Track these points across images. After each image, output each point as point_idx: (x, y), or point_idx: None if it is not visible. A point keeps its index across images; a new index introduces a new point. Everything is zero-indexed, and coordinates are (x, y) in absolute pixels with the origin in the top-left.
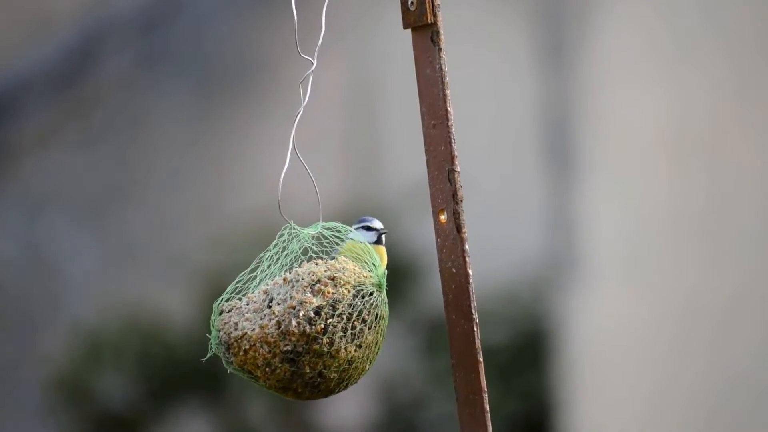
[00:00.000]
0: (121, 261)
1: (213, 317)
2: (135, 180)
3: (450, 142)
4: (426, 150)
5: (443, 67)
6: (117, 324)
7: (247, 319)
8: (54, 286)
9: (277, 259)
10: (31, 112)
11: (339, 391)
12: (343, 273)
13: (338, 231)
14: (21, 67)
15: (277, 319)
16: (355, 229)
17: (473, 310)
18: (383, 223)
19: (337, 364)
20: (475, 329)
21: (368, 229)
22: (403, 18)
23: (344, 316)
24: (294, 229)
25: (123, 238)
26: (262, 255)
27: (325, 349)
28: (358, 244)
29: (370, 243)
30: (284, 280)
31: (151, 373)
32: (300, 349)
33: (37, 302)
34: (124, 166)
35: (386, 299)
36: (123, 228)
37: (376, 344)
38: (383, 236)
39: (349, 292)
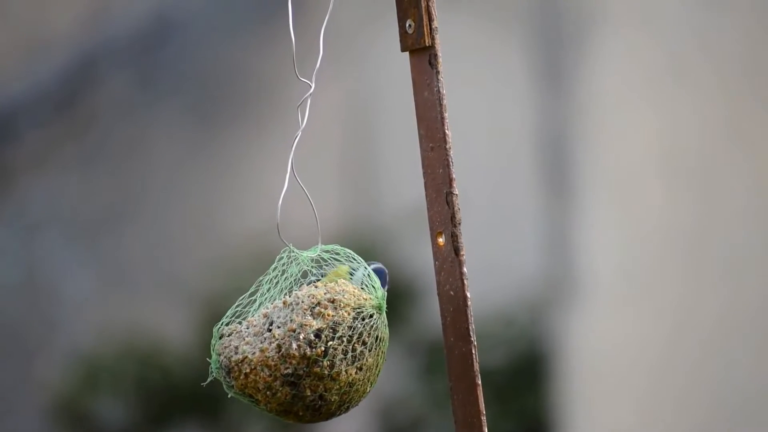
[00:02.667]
0: (117, 284)
1: (213, 341)
2: (132, 202)
3: (448, 165)
4: (424, 173)
5: (441, 90)
6: (114, 348)
7: (247, 343)
8: (50, 309)
9: (277, 282)
10: (27, 133)
11: (340, 414)
12: (343, 296)
13: (337, 254)
14: (17, 89)
15: (277, 342)
16: (372, 269)
17: (471, 333)
18: (380, 246)
19: (337, 386)
20: (474, 352)
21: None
22: (401, 41)
23: (344, 339)
24: (293, 252)
25: (120, 260)
26: (261, 278)
27: (326, 372)
28: (345, 269)
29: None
30: (284, 303)
31: (149, 398)
32: (301, 372)
33: (33, 325)
34: (120, 188)
35: (386, 321)
36: (120, 250)
37: (377, 367)
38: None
39: (349, 314)
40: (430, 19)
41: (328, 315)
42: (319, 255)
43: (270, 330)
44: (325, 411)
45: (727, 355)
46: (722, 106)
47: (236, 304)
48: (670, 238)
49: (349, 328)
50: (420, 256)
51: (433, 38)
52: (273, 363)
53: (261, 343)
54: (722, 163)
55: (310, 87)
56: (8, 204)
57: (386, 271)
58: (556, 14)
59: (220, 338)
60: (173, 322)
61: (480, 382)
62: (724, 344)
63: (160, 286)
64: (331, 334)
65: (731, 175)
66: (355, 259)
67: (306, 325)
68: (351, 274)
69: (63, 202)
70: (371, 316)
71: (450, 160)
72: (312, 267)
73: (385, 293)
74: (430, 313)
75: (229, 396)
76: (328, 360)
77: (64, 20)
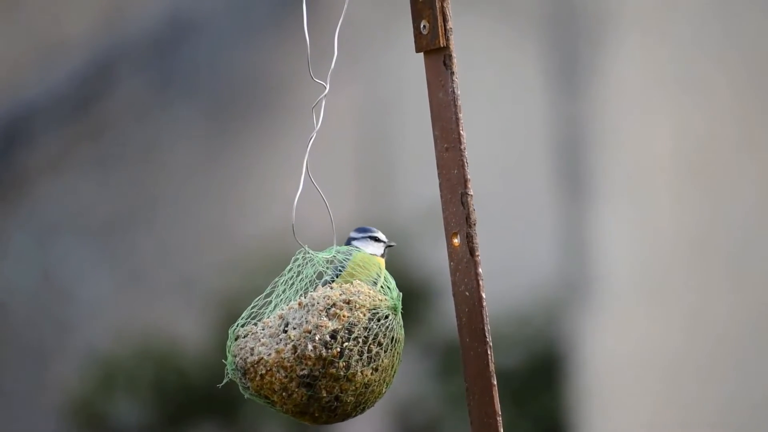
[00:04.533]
0: (133, 285)
1: (229, 343)
2: (147, 204)
3: (463, 166)
4: (439, 173)
5: (456, 91)
6: (130, 349)
7: (263, 344)
8: (66, 311)
9: (292, 283)
10: (43, 136)
11: (356, 415)
12: (359, 297)
13: (351, 254)
14: (33, 92)
15: (293, 343)
16: (360, 238)
17: (487, 333)
18: (396, 247)
19: (353, 387)
20: (489, 352)
21: (376, 240)
22: (415, 42)
23: (360, 340)
24: (308, 253)
25: (135, 262)
26: (276, 280)
27: (342, 373)
28: (368, 257)
29: (376, 256)
30: (299, 304)
31: (165, 399)
32: (316, 374)
33: (50, 327)
34: (136, 191)
35: (402, 322)
36: (135, 252)
37: (393, 367)
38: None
39: (364, 315)
40: (445, 20)
41: (344, 316)
42: (334, 256)
43: (285, 331)
44: (341, 412)
45: (742, 355)
46: (736, 109)
47: (252, 305)
48: (685, 239)
49: (365, 329)
50: (435, 257)
51: (447, 39)
52: (289, 364)
53: (277, 344)
54: (737, 165)
55: (325, 88)
56: (25, 206)
57: (375, 234)
58: (572, 17)
59: (236, 339)
60: (189, 323)
61: (496, 382)
62: (739, 345)
63: (176, 287)
64: (346, 335)
65: (746, 178)
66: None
67: (321, 326)
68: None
69: (79, 205)
70: (387, 317)
71: (465, 160)
72: (327, 268)
73: (401, 294)
74: (446, 313)
75: (245, 397)
76: (344, 361)
77: (80, 24)
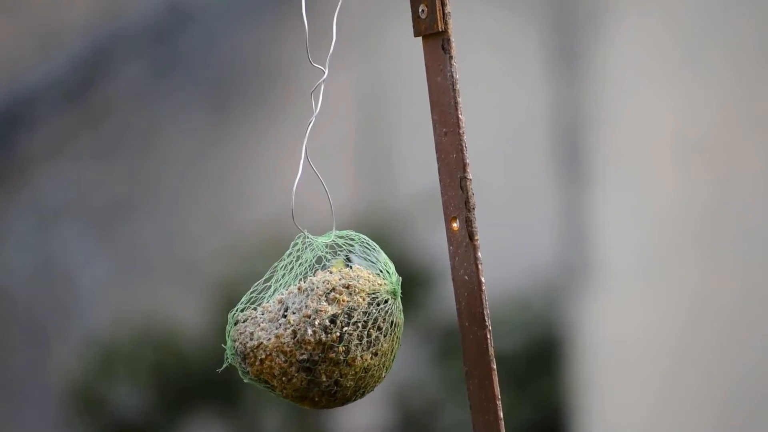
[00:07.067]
0: (133, 271)
1: (228, 327)
2: (146, 190)
3: (462, 150)
4: (438, 158)
5: (454, 75)
6: (130, 334)
7: (262, 329)
8: (66, 297)
9: (291, 268)
10: (41, 123)
11: (356, 399)
12: (358, 281)
13: (351, 239)
14: (31, 79)
15: (292, 328)
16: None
17: (486, 318)
18: (394, 232)
19: (353, 372)
20: (489, 336)
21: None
22: (413, 26)
23: (360, 324)
24: (307, 238)
25: (135, 248)
26: (276, 264)
27: (341, 358)
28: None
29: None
30: (299, 289)
31: (164, 384)
32: (316, 358)
33: (49, 314)
34: (135, 177)
35: (401, 307)
36: (135, 238)
37: (392, 352)
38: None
39: (364, 300)
40: (443, 4)
41: (343, 300)
42: (333, 240)
43: (285, 316)
44: (340, 397)
45: (746, 341)
46: (737, 89)
47: (251, 290)
48: (686, 222)
49: (364, 313)
50: (434, 242)
51: (446, 23)
52: (288, 349)
53: (276, 329)
54: (739, 146)
55: (324, 73)
56: (24, 193)
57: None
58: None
59: (235, 324)
60: (188, 308)
61: (495, 366)
62: (743, 330)
63: (176, 273)
64: (346, 320)
65: (748, 159)
66: (369, 245)
67: (321, 310)
68: (348, 266)
69: (78, 192)
70: (386, 301)
71: (464, 144)
72: (326, 253)
73: (400, 278)
74: (445, 298)
75: (245, 381)
76: (344, 345)
77: (78, 10)
